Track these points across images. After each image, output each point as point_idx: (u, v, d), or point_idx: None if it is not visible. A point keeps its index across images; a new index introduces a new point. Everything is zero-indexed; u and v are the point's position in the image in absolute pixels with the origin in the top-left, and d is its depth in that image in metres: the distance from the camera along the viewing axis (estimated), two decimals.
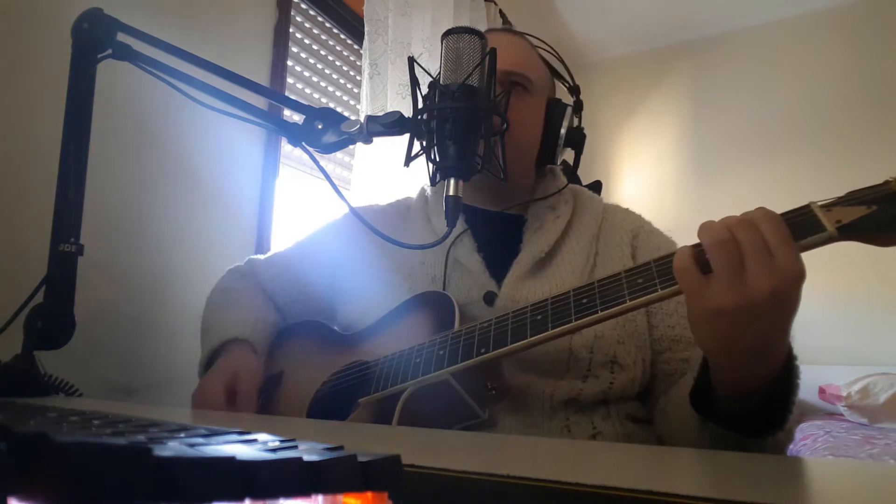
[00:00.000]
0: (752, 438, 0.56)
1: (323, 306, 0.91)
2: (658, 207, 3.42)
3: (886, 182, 0.49)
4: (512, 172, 0.77)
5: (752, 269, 0.48)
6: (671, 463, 0.40)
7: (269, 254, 1.00)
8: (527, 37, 0.93)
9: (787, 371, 0.55)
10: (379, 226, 0.72)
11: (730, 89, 3.39)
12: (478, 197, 0.89)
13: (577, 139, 0.88)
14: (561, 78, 0.95)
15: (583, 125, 0.90)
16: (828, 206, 0.51)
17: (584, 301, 0.59)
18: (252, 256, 1.00)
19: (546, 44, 0.95)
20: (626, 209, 0.93)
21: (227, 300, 0.91)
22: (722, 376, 0.56)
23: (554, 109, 0.87)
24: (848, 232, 0.49)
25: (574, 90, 0.91)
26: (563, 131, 0.86)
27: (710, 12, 3.33)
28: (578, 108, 0.89)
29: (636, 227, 0.87)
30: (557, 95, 0.93)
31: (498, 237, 0.85)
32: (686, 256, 0.51)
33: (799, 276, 0.48)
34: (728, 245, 0.49)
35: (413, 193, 0.99)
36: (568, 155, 0.94)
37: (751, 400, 0.55)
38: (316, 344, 0.86)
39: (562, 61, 0.94)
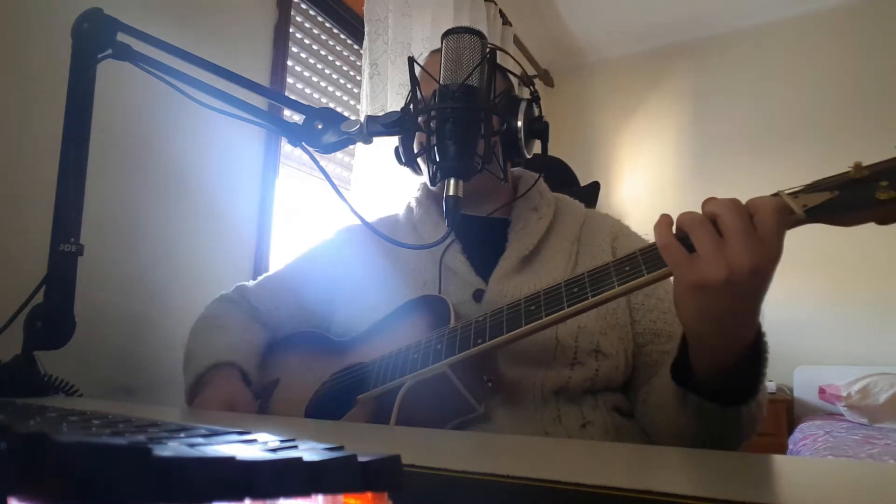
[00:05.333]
0: (729, 407, 0.60)
1: (319, 321, 0.92)
2: (658, 207, 3.40)
3: (846, 171, 0.54)
4: (483, 175, 0.76)
5: (735, 246, 0.52)
6: (670, 463, 0.40)
7: (259, 278, 1.00)
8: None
9: (757, 345, 0.59)
10: (371, 239, 0.73)
11: (730, 90, 3.39)
12: (462, 203, 0.89)
13: (539, 129, 0.87)
14: (515, 75, 0.93)
15: (543, 115, 0.88)
16: (795, 193, 0.56)
17: (576, 290, 0.62)
18: (240, 283, 1.00)
19: (493, 44, 0.93)
20: (606, 214, 0.97)
21: (210, 327, 0.90)
22: (700, 350, 0.60)
23: (510, 104, 0.86)
24: (814, 214, 0.54)
25: (528, 81, 0.90)
26: (520, 124, 0.84)
27: (710, 12, 3.33)
28: (535, 99, 0.87)
29: (616, 230, 0.91)
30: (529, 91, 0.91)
31: (484, 240, 0.87)
32: (667, 233, 0.56)
33: (777, 257, 0.53)
34: (705, 223, 0.54)
35: (399, 208, 1.00)
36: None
37: (726, 371, 0.59)
38: (312, 351, 0.86)
39: (513, 57, 0.94)
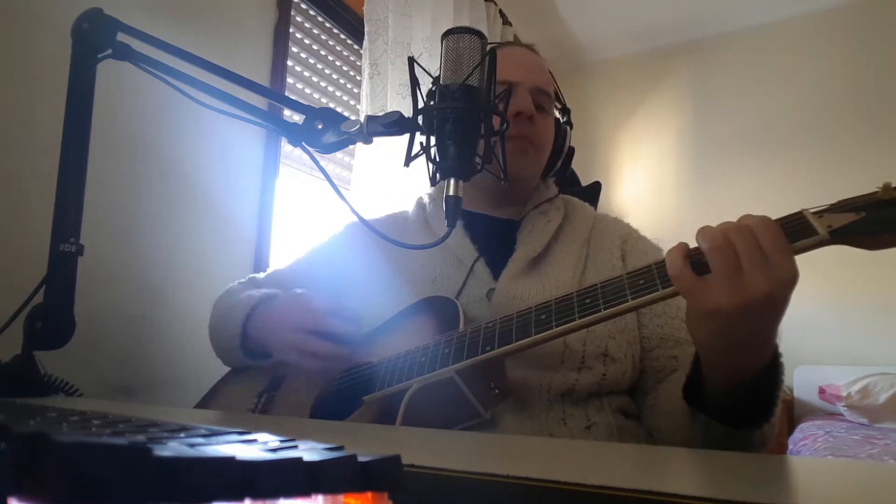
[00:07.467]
0: (741, 430, 0.59)
1: None
2: (657, 208, 3.42)
3: (874, 192, 0.52)
4: (525, 181, 0.88)
5: (750, 273, 0.50)
6: (671, 463, 0.40)
7: (268, 271, 1.00)
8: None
9: (773, 367, 0.58)
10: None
11: (730, 90, 3.39)
12: (478, 202, 0.93)
13: (570, 154, 0.98)
14: (557, 99, 0.99)
15: (582, 135, 0.98)
16: (819, 213, 0.53)
17: (588, 301, 0.61)
18: (252, 274, 1.00)
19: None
20: (616, 217, 0.98)
21: (240, 294, 0.90)
22: (714, 371, 0.58)
23: (559, 128, 0.95)
24: (838, 236, 0.51)
25: (565, 111, 0.98)
26: (566, 148, 0.95)
27: (710, 12, 3.32)
28: (568, 126, 0.98)
29: (625, 233, 0.92)
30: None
31: (494, 239, 0.88)
32: (678, 263, 0.54)
33: (793, 280, 0.51)
34: (726, 250, 0.52)
35: (409, 204, 1.01)
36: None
37: (739, 394, 0.57)
38: None
39: (555, 82, 0.99)
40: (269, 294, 0.83)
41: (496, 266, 0.84)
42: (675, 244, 0.56)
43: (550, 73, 0.98)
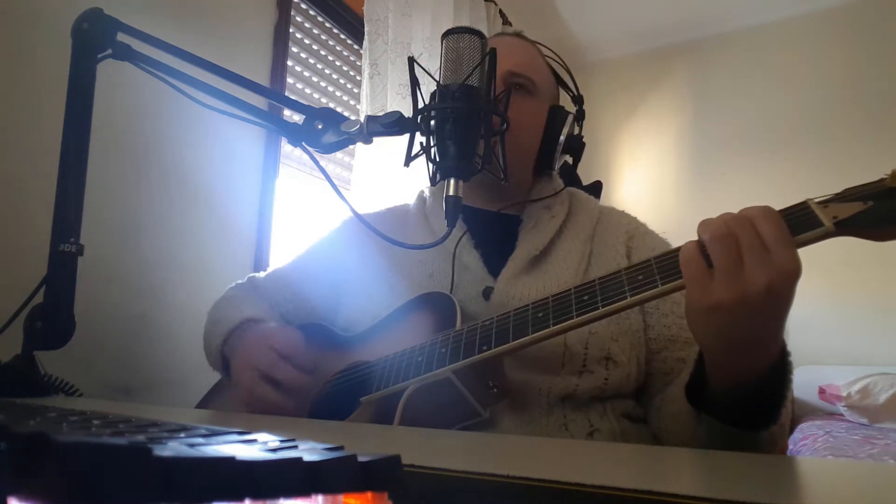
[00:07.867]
0: (746, 432, 0.57)
1: (325, 313, 0.91)
2: (658, 207, 3.42)
3: (882, 179, 0.50)
4: (509, 172, 0.79)
5: (749, 265, 0.49)
6: (671, 463, 0.40)
7: (268, 270, 1.00)
8: (535, 43, 0.96)
9: (780, 366, 0.56)
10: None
11: (730, 89, 3.39)
12: (475, 197, 0.91)
13: (576, 146, 0.90)
14: (565, 87, 0.96)
15: (583, 134, 0.91)
16: (824, 203, 0.52)
17: (586, 298, 0.60)
18: (252, 274, 1.00)
19: (553, 52, 0.96)
20: (622, 211, 0.94)
21: (231, 305, 0.89)
22: (716, 369, 0.57)
23: (555, 115, 0.89)
24: (844, 227, 0.50)
25: (577, 100, 0.93)
26: (562, 137, 0.88)
27: (710, 12, 3.32)
28: (580, 116, 0.91)
29: (632, 228, 0.89)
30: (561, 104, 0.94)
31: (495, 236, 0.86)
32: (693, 249, 0.53)
33: (794, 272, 0.49)
34: (726, 240, 0.50)
35: (410, 199, 1.00)
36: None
37: (744, 393, 0.56)
38: (318, 346, 0.86)
39: (568, 71, 0.95)
40: (247, 319, 0.80)
41: (494, 263, 0.82)
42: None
43: (560, 60, 0.95)
